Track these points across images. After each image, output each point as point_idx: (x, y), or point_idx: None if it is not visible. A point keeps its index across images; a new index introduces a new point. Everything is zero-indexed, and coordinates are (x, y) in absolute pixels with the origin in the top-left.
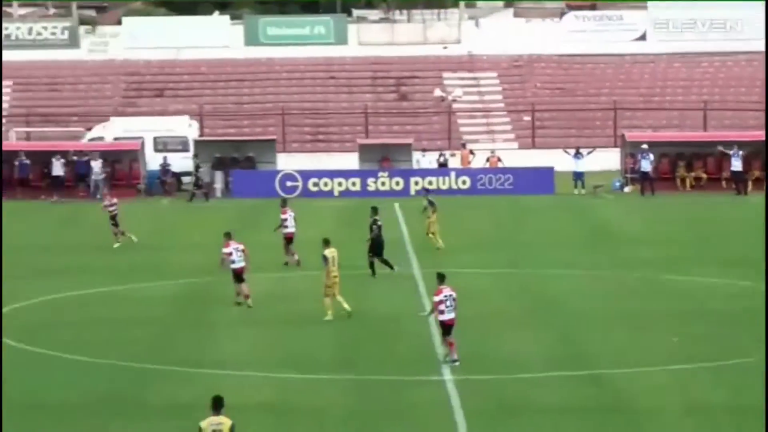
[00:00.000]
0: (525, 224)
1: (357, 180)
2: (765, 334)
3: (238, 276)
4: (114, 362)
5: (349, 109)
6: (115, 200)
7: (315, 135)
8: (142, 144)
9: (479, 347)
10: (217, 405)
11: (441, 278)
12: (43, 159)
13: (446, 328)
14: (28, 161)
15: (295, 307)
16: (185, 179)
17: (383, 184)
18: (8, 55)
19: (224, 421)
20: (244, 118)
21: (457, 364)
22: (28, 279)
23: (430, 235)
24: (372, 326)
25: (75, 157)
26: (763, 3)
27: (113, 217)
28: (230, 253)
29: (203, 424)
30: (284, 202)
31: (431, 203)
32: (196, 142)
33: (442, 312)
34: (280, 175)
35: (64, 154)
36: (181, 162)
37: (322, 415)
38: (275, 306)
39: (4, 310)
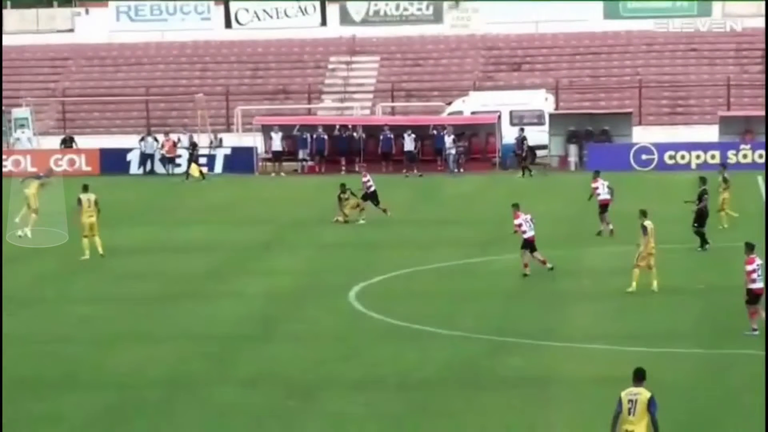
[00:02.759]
0: None
1: (716, 153)
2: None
3: (530, 245)
4: (463, 334)
5: (710, 81)
6: (368, 177)
7: (673, 108)
8: (499, 118)
9: None
10: (639, 377)
11: (750, 248)
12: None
13: (754, 297)
14: (391, 135)
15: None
16: (540, 153)
17: (744, 156)
18: (376, 31)
19: (642, 391)
20: (600, 92)
21: (756, 333)
22: (388, 250)
23: (723, 213)
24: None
25: (435, 132)
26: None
27: (372, 194)
28: (520, 224)
29: (623, 393)
30: (596, 174)
31: (725, 180)
32: (551, 116)
33: (753, 281)
34: (635, 148)
35: (415, 129)
36: (537, 135)
37: (678, 390)
38: (614, 279)
39: (371, 281)
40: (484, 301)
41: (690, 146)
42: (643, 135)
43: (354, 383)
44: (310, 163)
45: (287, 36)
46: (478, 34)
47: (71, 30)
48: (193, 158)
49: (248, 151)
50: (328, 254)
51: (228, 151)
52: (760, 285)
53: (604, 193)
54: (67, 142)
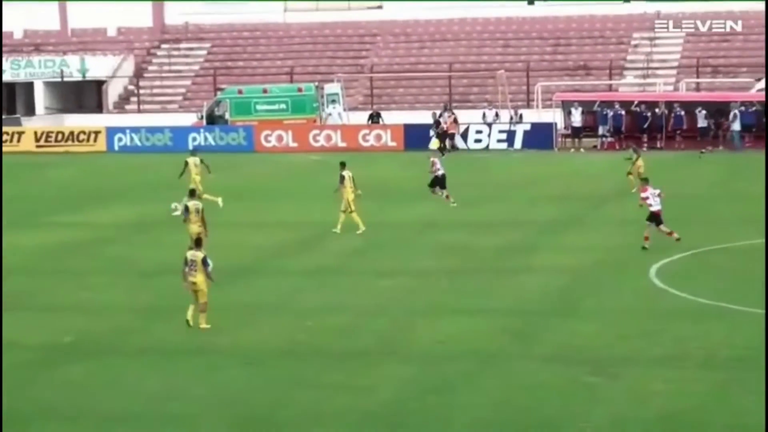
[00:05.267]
0: None
1: None
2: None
3: (656, 218)
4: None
5: None
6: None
7: None
8: None
9: None
10: None
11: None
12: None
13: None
14: (682, 112)
15: None
16: None
17: None
18: (680, 6)
19: None
20: None
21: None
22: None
23: None
24: None
25: (743, 108)
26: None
27: (440, 178)
28: (647, 198)
29: None
30: None
31: None
32: None
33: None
34: None
35: (705, 106)
36: None
37: None
38: None
39: (671, 258)
40: None
41: None
42: None
43: (657, 360)
44: (609, 139)
45: (589, 12)
46: None
47: (380, 7)
48: (437, 134)
49: (548, 127)
50: (628, 231)
51: (527, 127)
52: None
53: None
54: (374, 118)
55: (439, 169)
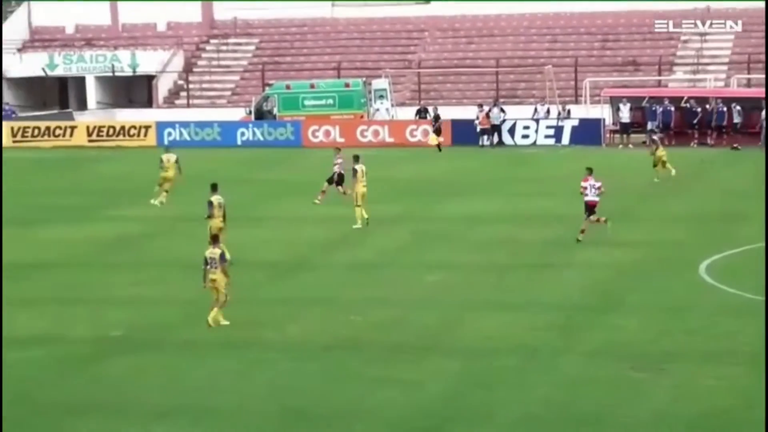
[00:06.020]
0: None
1: None
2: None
3: (591, 209)
4: None
5: None
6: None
7: None
8: None
9: None
10: None
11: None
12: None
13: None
14: (723, 108)
15: None
16: None
17: None
18: (731, 3)
19: None
20: None
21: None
22: (740, 223)
23: None
24: None
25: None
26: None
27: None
28: (585, 187)
29: None
30: None
31: None
32: None
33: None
34: None
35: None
36: None
37: None
38: None
39: (722, 254)
40: None
41: None
42: None
43: (703, 355)
44: (659, 135)
45: (637, 7)
46: None
47: (427, 2)
48: (435, 129)
49: (596, 123)
50: (677, 226)
51: (575, 123)
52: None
53: None
54: (422, 113)
55: (339, 165)
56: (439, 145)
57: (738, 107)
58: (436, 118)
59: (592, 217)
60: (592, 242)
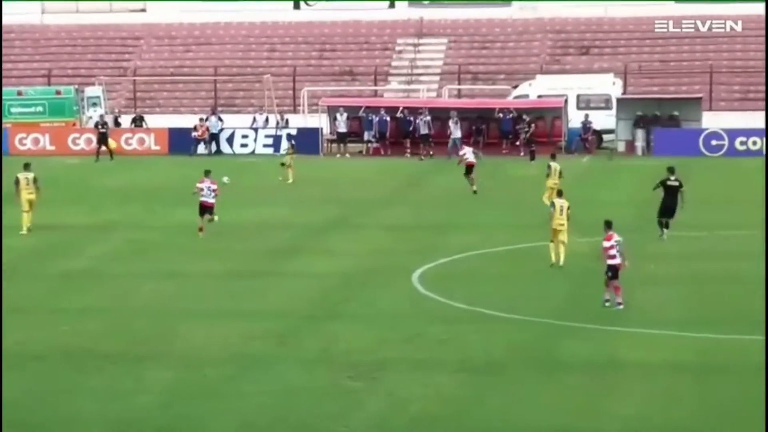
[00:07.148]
0: None
1: None
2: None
3: (206, 210)
4: (527, 318)
5: None
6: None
7: (745, 93)
8: (566, 102)
9: None
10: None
11: (608, 225)
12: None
13: (614, 271)
14: (428, 118)
15: (707, 266)
16: (606, 137)
17: None
18: (444, 13)
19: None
20: (670, 77)
21: (621, 306)
22: (452, 232)
23: None
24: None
25: (500, 115)
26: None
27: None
28: (201, 189)
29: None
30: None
31: None
32: (619, 100)
33: (612, 257)
34: (704, 134)
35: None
36: (604, 120)
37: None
38: (680, 264)
39: (434, 263)
40: (548, 284)
41: (763, 132)
42: (713, 120)
43: (416, 364)
44: (375, 145)
45: (355, 17)
46: (546, 17)
47: (143, 10)
48: (103, 137)
49: (314, 132)
50: (392, 236)
51: (293, 132)
52: (618, 261)
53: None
54: (137, 121)
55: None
56: (111, 153)
57: (427, 118)
58: (104, 124)
59: (206, 216)
60: (309, 252)
